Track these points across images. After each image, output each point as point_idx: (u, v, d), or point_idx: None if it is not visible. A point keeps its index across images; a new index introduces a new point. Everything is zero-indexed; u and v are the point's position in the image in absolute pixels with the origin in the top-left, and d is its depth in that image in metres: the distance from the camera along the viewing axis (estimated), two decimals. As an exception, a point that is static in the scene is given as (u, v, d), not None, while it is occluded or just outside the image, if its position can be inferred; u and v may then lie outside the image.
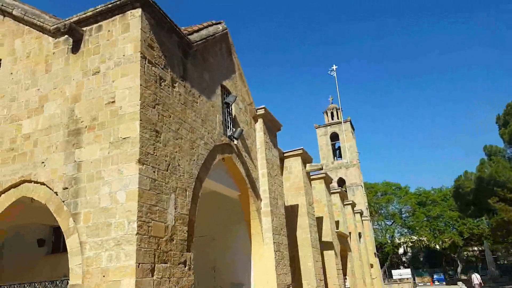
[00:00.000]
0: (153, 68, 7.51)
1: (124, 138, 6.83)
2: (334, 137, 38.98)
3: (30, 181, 7.36)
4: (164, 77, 7.82)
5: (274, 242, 11.24)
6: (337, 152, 39.19)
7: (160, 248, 6.65)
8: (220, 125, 9.93)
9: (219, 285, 11.23)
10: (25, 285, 6.91)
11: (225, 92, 10.81)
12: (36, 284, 6.82)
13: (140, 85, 7.07)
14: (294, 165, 16.04)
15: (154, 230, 6.58)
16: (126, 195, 6.44)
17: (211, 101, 9.73)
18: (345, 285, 20.05)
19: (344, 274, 21.26)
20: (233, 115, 11.04)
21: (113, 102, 7.17)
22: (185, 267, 7.26)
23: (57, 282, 6.55)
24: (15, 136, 7.84)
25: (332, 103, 40.47)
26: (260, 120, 12.49)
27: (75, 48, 7.94)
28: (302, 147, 15.87)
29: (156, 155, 7.07)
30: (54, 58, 8.09)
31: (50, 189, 7.11)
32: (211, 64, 10.21)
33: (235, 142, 10.64)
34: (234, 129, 10.74)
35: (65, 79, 7.79)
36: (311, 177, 18.01)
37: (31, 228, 12.04)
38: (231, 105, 10.89)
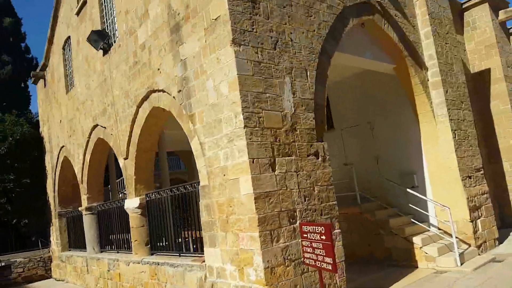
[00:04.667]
0: None
1: (215, 19, 5.67)
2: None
3: (154, 91, 7.32)
4: None
5: (450, 119, 8.65)
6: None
7: (279, 140, 5.60)
8: (348, -22, 7.48)
9: (385, 176, 9.71)
10: (173, 188, 7.29)
11: None
12: (180, 188, 7.07)
13: None
14: (479, 16, 11.77)
15: (267, 121, 5.52)
16: (228, 85, 5.48)
17: None
18: None
19: None
20: (368, -39, 8.19)
21: (199, -20, 5.96)
22: (318, 158, 6.07)
23: (195, 184, 6.54)
24: (135, 49, 7.83)
25: None
26: (412, -40, 9.05)
27: None
28: (489, -12, 11.27)
29: (256, 32, 5.69)
30: (143, -46, 7.32)
31: (169, 94, 6.88)
32: None
33: (376, -3, 8.00)
34: (371, -20, 8.01)
35: (155, -27, 6.99)
36: (510, 29, 13.05)
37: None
38: None
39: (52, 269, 13.36)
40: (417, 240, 8.10)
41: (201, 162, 6.11)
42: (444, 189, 8.59)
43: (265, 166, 5.32)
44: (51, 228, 13.44)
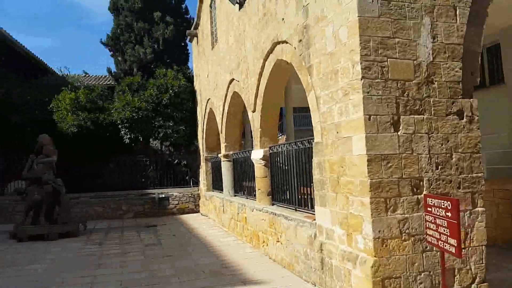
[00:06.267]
0: None
1: (339, -47, 4.92)
2: None
3: (278, 43, 7.08)
4: None
5: None
6: None
7: (408, 94, 4.69)
8: None
9: None
10: (292, 143, 7.12)
11: None
12: (298, 143, 6.85)
13: None
14: None
15: (393, 71, 4.65)
16: (348, 30, 4.78)
17: None
18: None
19: None
20: None
21: None
22: (462, 119, 4.89)
23: (310, 140, 6.23)
24: (265, 0, 7.64)
25: None
26: None
27: None
28: None
29: (388, -38, 4.70)
30: None
31: (290, 45, 6.53)
32: None
33: None
34: None
35: None
36: None
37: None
38: None
39: (200, 205, 15.45)
40: None
41: (316, 118, 5.72)
42: None
43: (385, 124, 4.58)
44: (200, 170, 15.35)
